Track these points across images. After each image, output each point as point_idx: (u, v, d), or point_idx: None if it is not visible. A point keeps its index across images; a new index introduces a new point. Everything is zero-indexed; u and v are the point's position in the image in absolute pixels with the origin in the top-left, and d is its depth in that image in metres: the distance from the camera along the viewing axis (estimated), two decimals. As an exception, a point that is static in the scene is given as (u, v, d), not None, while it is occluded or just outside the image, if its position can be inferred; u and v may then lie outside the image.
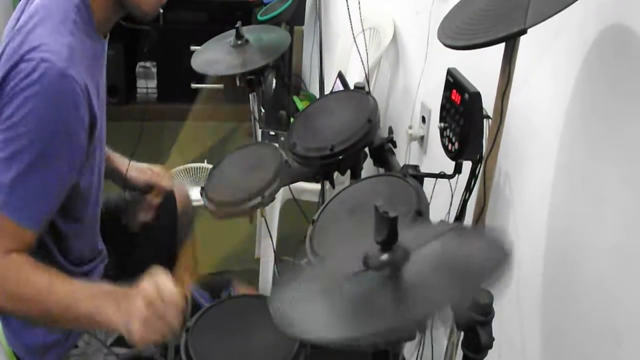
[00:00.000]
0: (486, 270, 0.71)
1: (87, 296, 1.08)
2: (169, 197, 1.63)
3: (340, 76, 2.17)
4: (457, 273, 0.73)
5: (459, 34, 1.01)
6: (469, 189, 1.21)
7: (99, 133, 1.18)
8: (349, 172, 1.38)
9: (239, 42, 1.61)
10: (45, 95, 1.03)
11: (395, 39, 2.09)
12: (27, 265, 1.08)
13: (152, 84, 3.82)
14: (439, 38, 1.04)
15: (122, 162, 1.53)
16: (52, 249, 1.23)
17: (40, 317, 1.11)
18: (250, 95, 1.73)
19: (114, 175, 1.50)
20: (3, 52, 1.11)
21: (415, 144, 1.83)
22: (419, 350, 1.38)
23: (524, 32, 0.90)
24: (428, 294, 0.70)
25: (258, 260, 2.50)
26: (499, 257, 0.72)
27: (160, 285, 1.05)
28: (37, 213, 1.09)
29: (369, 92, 1.43)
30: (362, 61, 1.89)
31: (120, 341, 1.32)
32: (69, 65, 1.05)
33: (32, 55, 1.04)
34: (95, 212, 1.32)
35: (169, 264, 1.18)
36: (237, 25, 1.62)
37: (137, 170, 1.53)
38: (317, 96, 3.02)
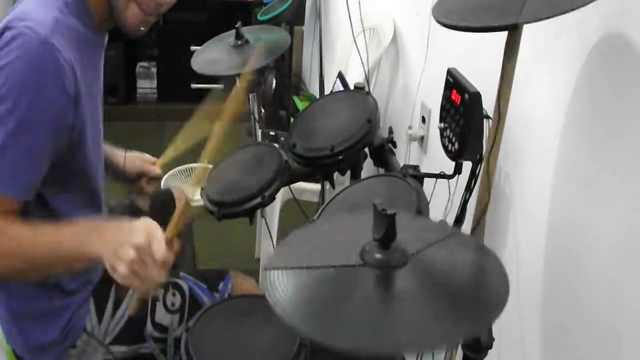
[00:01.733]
0: (483, 308, 0.69)
1: (71, 234, 1.07)
2: (165, 199, 1.63)
3: (340, 76, 2.17)
4: (451, 304, 0.70)
5: (454, 13, 1.00)
6: (469, 189, 1.21)
7: (82, 119, 1.17)
8: (349, 172, 1.38)
9: (239, 42, 1.61)
10: (25, 61, 1.03)
11: (395, 39, 2.08)
12: (8, 222, 1.07)
13: (152, 84, 3.82)
14: (433, 13, 1.03)
15: (113, 154, 1.53)
16: None
17: (27, 270, 1.11)
18: (250, 95, 1.73)
19: (105, 166, 1.50)
20: None
21: (415, 144, 1.83)
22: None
23: (515, 27, 0.89)
24: (415, 321, 0.67)
25: (258, 260, 2.50)
26: (498, 291, 0.70)
27: (152, 241, 1.02)
28: (20, 182, 1.08)
29: (369, 92, 1.44)
30: (362, 61, 1.90)
31: (119, 339, 1.32)
32: (52, 35, 1.05)
33: (15, 24, 1.04)
34: (97, 204, 1.32)
35: None
36: (237, 25, 1.62)
37: (128, 159, 1.53)
38: (317, 96, 3.02)
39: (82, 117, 1.15)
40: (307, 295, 0.72)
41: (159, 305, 1.35)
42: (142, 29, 1.23)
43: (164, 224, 1.09)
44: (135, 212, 1.53)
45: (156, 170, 1.57)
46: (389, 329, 0.66)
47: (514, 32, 0.95)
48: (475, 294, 0.72)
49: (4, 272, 1.13)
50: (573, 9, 0.87)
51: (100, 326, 1.31)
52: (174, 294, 1.37)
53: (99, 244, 1.05)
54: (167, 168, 1.62)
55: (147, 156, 1.59)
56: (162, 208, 1.58)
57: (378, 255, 0.72)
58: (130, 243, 1.01)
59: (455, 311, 0.69)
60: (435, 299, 0.70)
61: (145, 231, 1.03)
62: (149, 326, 1.34)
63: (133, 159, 1.55)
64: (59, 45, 1.06)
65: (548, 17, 0.87)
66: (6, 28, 1.05)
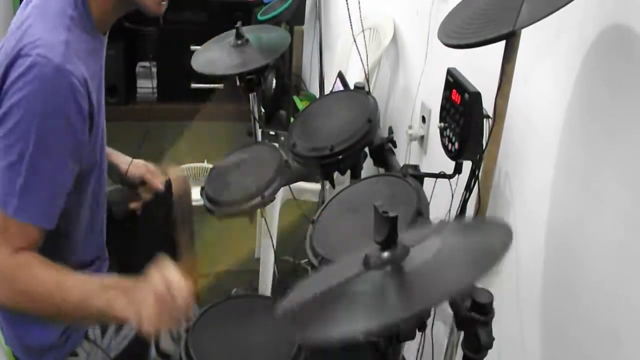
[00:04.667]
0: (488, 253, 0.71)
1: (98, 291, 1.07)
2: (166, 185, 1.63)
3: (340, 76, 2.17)
4: (458, 258, 0.73)
5: (456, 32, 1.01)
6: (469, 188, 1.21)
7: (96, 128, 1.18)
8: (349, 172, 1.38)
9: (239, 42, 1.61)
10: (44, 92, 1.03)
11: (395, 39, 2.08)
12: (37, 263, 1.07)
13: (152, 83, 3.81)
14: (438, 35, 1.04)
15: (117, 157, 1.53)
16: (53, 250, 1.22)
17: (51, 315, 1.11)
18: (250, 95, 1.73)
19: (110, 169, 1.50)
20: (0, 50, 1.11)
21: (415, 144, 1.83)
22: (419, 350, 1.38)
23: (512, 34, 0.90)
24: (433, 280, 0.70)
25: (258, 260, 2.50)
26: (500, 240, 0.73)
27: (168, 278, 1.04)
28: (48, 210, 1.09)
29: (369, 92, 1.44)
30: (362, 61, 1.89)
31: (121, 358, 1.30)
32: (65, 60, 1.05)
33: (28, 51, 1.04)
34: (95, 209, 1.32)
35: (170, 250, 1.17)
36: (237, 25, 1.62)
37: (133, 165, 1.53)
38: (317, 96, 3.02)
39: (93, 131, 1.16)
40: (336, 316, 0.73)
41: (164, 333, 1.34)
42: (163, 3, 1.22)
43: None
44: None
45: (157, 184, 1.56)
46: (416, 298, 0.68)
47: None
48: (484, 244, 0.75)
49: (27, 311, 1.12)
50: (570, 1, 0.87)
51: (103, 339, 1.30)
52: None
53: (126, 306, 1.05)
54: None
55: (152, 166, 1.58)
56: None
57: (383, 256, 0.73)
58: (150, 294, 1.03)
59: (466, 263, 0.72)
60: (443, 261, 0.72)
61: (161, 277, 1.04)
62: (152, 352, 1.33)
63: (137, 165, 1.55)
64: (73, 68, 1.06)
65: (544, 17, 0.87)
66: (19, 56, 1.04)
